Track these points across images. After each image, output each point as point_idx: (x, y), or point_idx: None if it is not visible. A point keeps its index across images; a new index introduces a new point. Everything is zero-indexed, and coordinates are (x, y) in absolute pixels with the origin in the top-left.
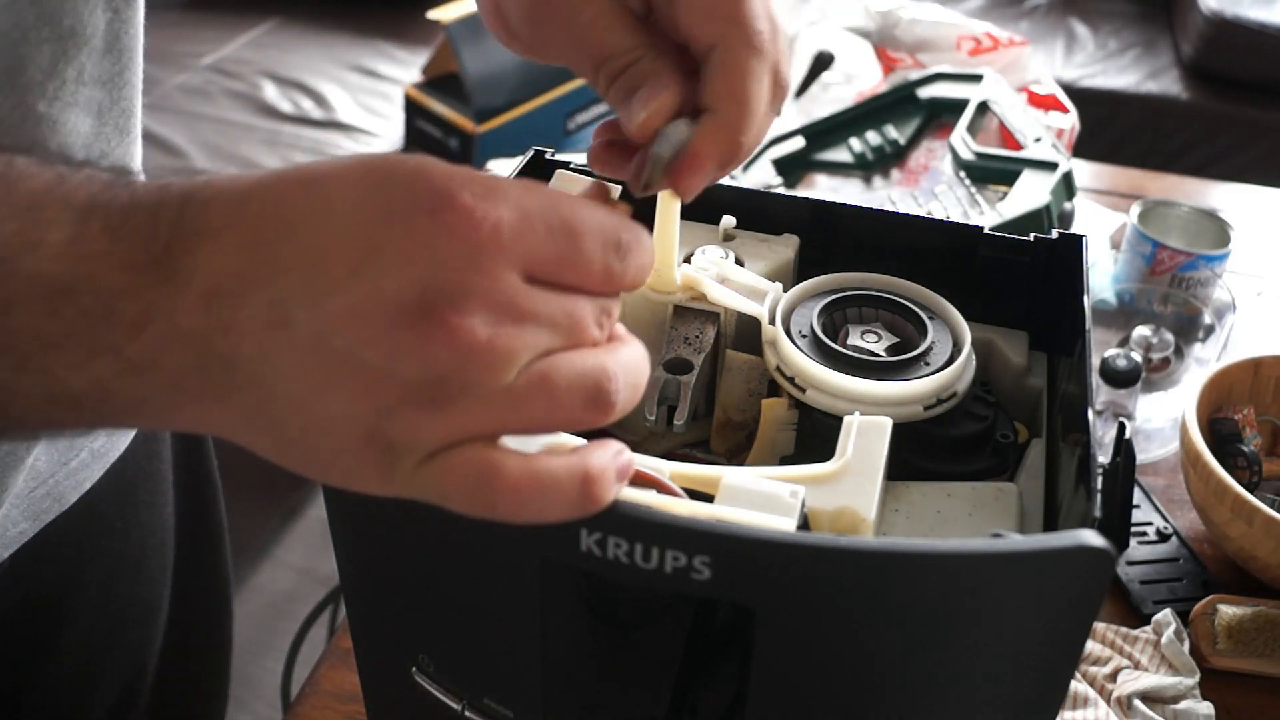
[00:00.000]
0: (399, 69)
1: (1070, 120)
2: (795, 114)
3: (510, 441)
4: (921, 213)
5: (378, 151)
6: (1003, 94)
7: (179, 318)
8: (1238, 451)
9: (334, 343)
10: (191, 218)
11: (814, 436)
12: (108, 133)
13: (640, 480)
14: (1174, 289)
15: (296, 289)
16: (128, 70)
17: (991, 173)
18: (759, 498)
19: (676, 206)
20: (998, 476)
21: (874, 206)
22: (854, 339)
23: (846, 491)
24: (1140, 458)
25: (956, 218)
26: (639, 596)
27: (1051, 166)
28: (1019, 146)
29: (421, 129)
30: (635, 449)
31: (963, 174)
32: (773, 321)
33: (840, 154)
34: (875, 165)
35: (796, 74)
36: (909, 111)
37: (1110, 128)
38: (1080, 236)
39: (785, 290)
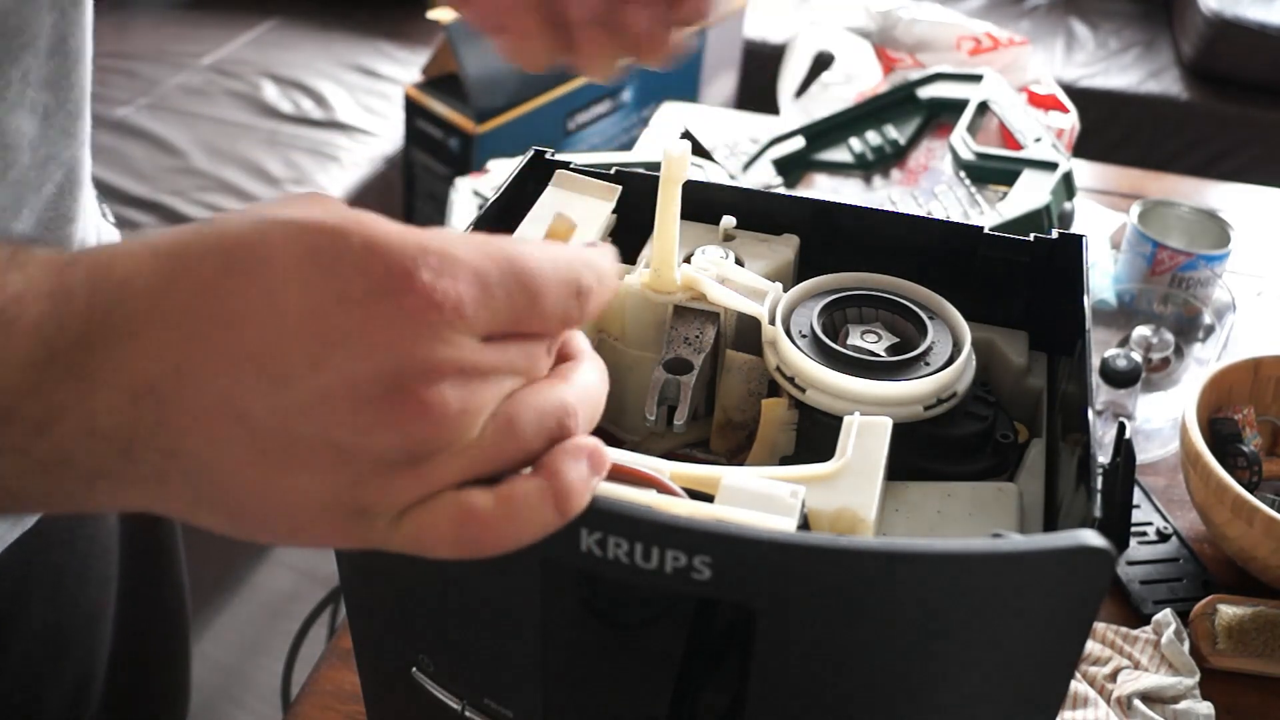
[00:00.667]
0: (399, 69)
1: (1070, 120)
2: (795, 114)
3: None
4: (921, 213)
5: (309, 216)
6: (1003, 94)
7: (98, 418)
8: (1238, 451)
9: (299, 430)
10: (102, 312)
11: (814, 436)
12: (54, 135)
13: (640, 480)
14: (1174, 289)
15: (250, 383)
16: (74, 72)
17: (991, 173)
18: (759, 498)
19: (677, 206)
20: (998, 476)
21: (874, 206)
22: (854, 339)
23: (846, 491)
24: (1140, 458)
25: (956, 218)
26: (639, 596)
27: (1051, 166)
28: (1019, 146)
29: (421, 129)
30: (635, 449)
31: (963, 174)
32: (773, 321)
33: (840, 154)
34: (875, 165)
35: (796, 74)
36: (909, 111)
37: (1110, 128)
38: (1080, 236)
39: (785, 290)
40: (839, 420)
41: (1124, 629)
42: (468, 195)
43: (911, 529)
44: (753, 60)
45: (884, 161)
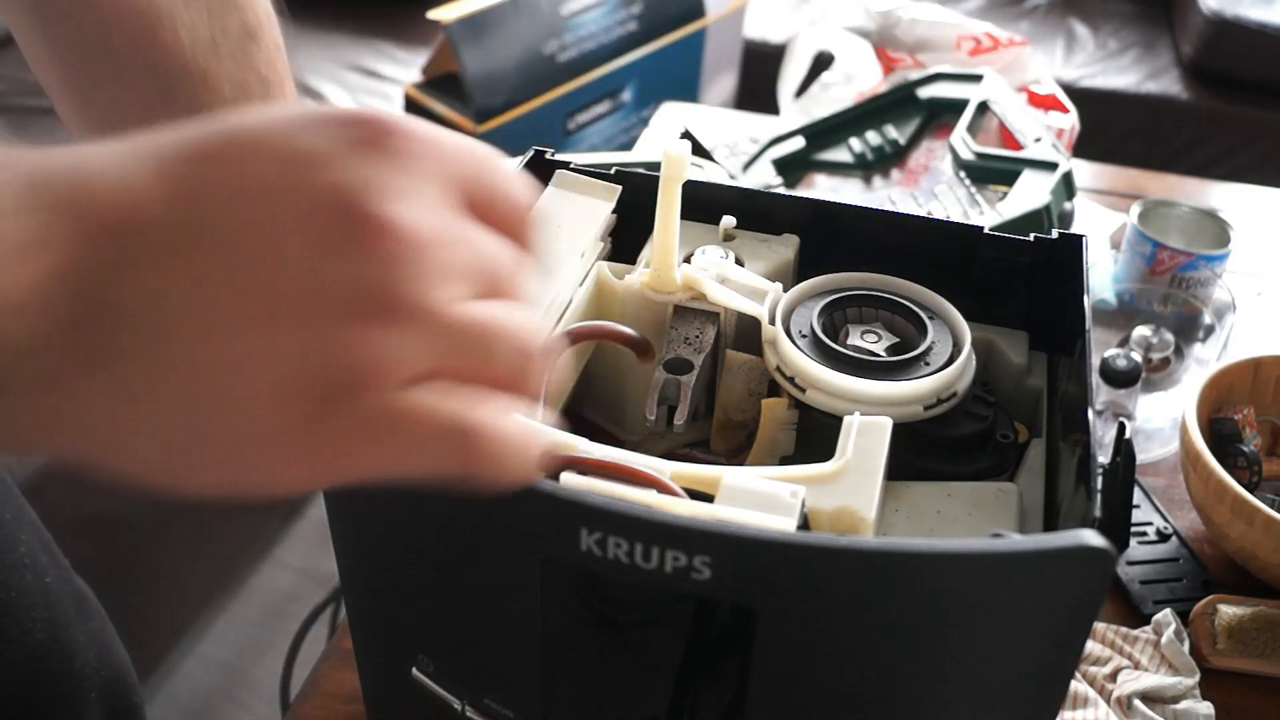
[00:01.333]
0: (399, 69)
1: (1070, 120)
2: (795, 114)
3: None
4: (921, 213)
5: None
6: (1003, 94)
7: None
8: (1238, 451)
9: (255, 271)
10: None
11: (814, 436)
12: None
13: (640, 480)
14: (1174, 289)
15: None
16: None
17: (991, 173)
18: (759, 498)
19: (676, 206)
20: (998, 476)
21: (874, 206)
22: (854, 339)
23: (846, 491)
24: (1140, 458)
25: (956, 218)
26: (639, 597)
27: (1051, 166)
28: (1019, 146)
29: None
30: (635, 449)
31: (963, 174)
32: (773, 321)
33: (840, 154)
34: (875, 165)
35: (796, 74)
36: (909, 111)
37: (1110, 128)
38: (1080, 236)
39: (785, 290)
40: (839, 420)
41: (1124, 629)
42: None
43: (911, 529)
44: (753, 60)
45: (884, 161)
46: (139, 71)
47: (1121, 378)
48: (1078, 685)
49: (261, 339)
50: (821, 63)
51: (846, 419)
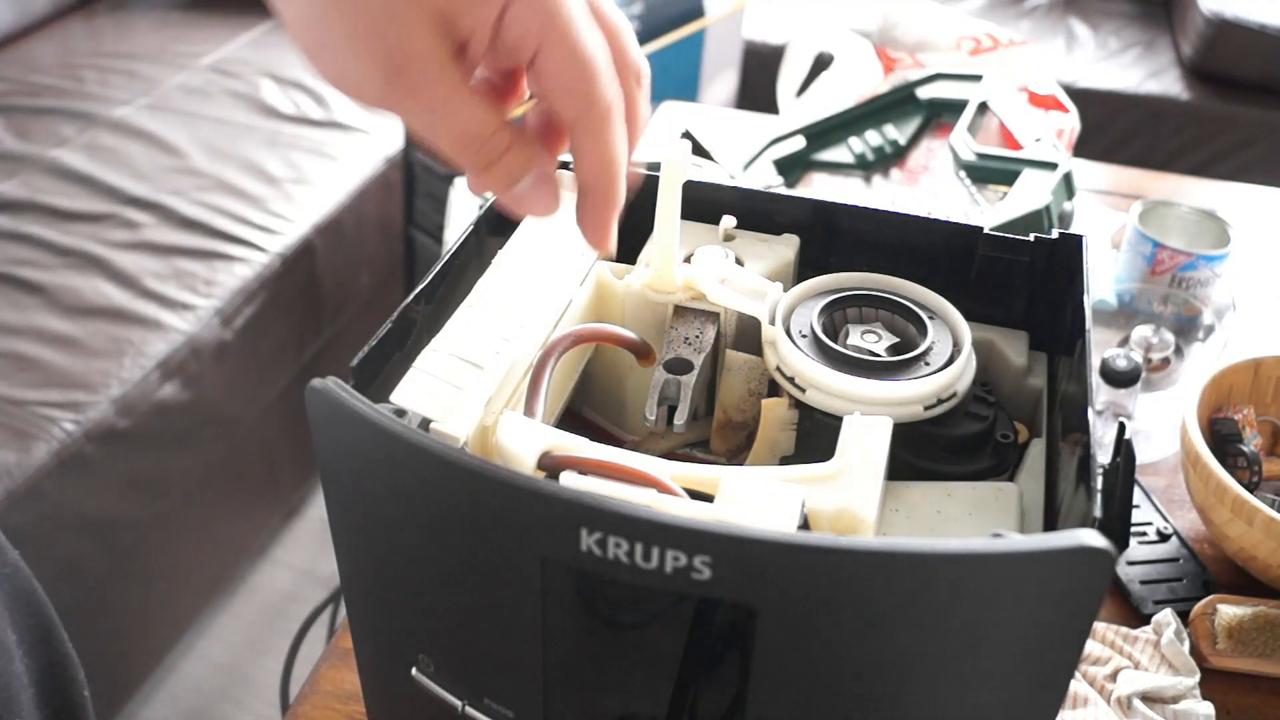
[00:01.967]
0: None
1: (1070, 120)
2: (795, 114)
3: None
4: (921, 213)
5: None
6: (1003, 94)
7: None
8: (1238, 451)
9: None
10: None
11: (814, 436)
12: None
13: (640, 480)
14: (1174, 289)
15: None
16: None
17: (991, 173)
18: (759, 498)
19: (677, 207)
20: (998, 476)
21: (874, 206)
22: (854, 339)
23: (846, 491)
24: (1140, 458)
25: (956, 218)
26: (639, 596)
27: (1051, 166)
28: (1019, 146)
29: None
30: (635, 449)
31: (963, 174)
32: (773, 322)
33: (840, 154)
34: (875, 165)
35: (796, 74)
36: (909, 111)
37: (1110, 128)
38: (1080, 236)
39: (785, 290)
40: (839, 420)
41: (1124, 629)
42: (468, 195)
43: (911, 529)
44: (753, 60)
45: (884, 161)
46: None
47: (1121, 378)
48: (1078, 685)
49: None
50: (821, 63)
51: (846, 419)
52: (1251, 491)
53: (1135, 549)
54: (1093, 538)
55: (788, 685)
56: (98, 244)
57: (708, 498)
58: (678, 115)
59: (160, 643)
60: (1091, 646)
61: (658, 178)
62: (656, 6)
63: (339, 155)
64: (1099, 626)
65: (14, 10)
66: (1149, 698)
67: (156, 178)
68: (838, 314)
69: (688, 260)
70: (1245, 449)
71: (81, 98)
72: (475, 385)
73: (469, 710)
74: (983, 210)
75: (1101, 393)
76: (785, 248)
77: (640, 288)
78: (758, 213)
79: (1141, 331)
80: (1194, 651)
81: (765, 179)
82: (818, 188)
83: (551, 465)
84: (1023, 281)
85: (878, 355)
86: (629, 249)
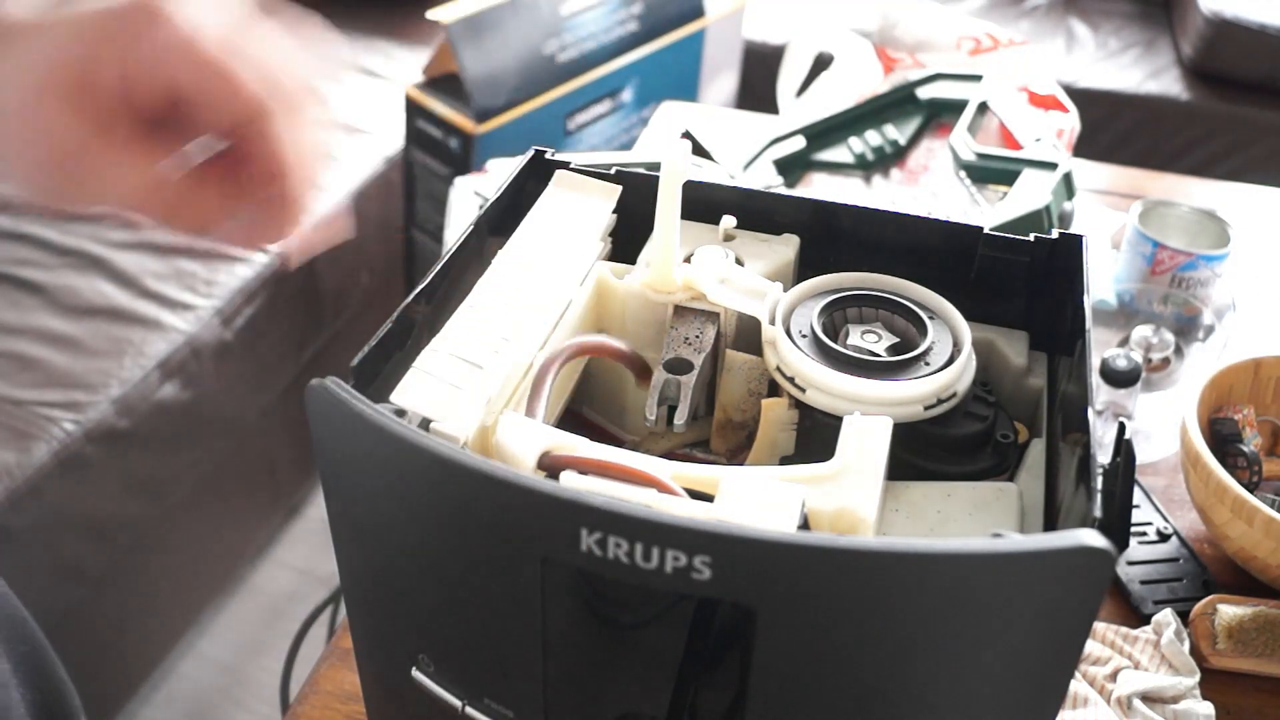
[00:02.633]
0: (399, 69)
1: (1070, 120)
2: (795, 114)
3: None
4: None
5: None
6: (1003, 94)
7: None
8: (1238, 451)
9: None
10: None
11: (814, 436)
12: None
13: (640, 480)
14: (1174, 289)
15: None
16: None
17: (991, 173)
18: (759, 498)
19: (677, 206)
20: (998, 476)
21: (874, 206)
22: (854, 339)
23: (846, 491)
24: (1140, 458)
25: (956, 218)
26: (639, 596)
27: (1051, 166)
28: (1019, 146)
29: (421, 129)
30: (635, 449)
31: (963, 174)
32: (773, 321)
33: (840, 154)
34: (875, 165)
35: (796, 74)
36: (909, 111)
37: (1110, 128)
38: (1080, 236)
39: (785, 290)
40: (839, 420)
41: (1124, 629)
42: (468, 195)
43: (911, 529)
44: (753, 60)
45: (884, 161)
46: None
47: (1121, 378)
48: (1078, 685)
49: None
50: (821, 63)
51: (846, 419)
52: (1251, 491)
53: (1135, 549)
54: (1093, 538)
55: (788, 685)
56: (98, 244)
57: (708, 498)
58: (678, 115)
59: (160, 643)
60: (1091, 646)
61: (658, 178)
62: (656, 6)
63: (339, 155)
64: (1099, 626)
65: None
66: (1149, 698)
67: None
68: (838, 314)
69: (688, 260)
70: (1245, 449)
71: None
72: (475, 385)
73: (469, 710)
74: (983, 210)
75: (1101, 393)
76: (785, 248)
77: (640, 287)
78: (758, 213)
79: (1141, 331)
80: (1194, 651)
81: (765, 179)
82: (818, 188)
83: (551, 465)
84: (1023, 281)
85: (878, 355)
86: (629, 249)
